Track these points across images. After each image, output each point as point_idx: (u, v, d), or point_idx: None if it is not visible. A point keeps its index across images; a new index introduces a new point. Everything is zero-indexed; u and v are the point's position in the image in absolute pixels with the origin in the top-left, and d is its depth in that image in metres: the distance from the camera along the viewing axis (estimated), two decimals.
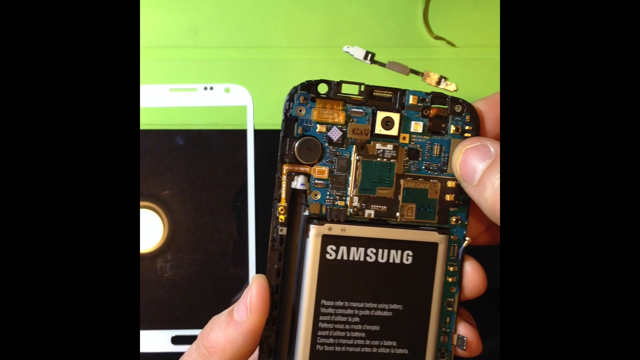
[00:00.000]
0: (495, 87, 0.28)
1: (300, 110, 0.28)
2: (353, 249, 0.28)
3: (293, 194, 0.28)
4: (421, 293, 0.29)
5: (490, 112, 0.29)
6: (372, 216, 0.29)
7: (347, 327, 0.28)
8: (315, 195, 0.28)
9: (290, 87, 0.28)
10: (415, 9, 0.46)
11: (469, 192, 0.28)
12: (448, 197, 0.29)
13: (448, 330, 0.29)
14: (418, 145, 0.29)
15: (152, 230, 0.41)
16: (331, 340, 0.28)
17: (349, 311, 0.28)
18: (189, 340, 0.40)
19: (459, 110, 0.29)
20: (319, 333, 0.28)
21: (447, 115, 0.29)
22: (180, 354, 0.29)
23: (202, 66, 0.44)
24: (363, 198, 0.29)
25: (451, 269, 0.29)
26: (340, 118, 0.28)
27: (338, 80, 0.28)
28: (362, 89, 0.28)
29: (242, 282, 0.41)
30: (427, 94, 0.29)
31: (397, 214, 0.29)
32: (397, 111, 0.29)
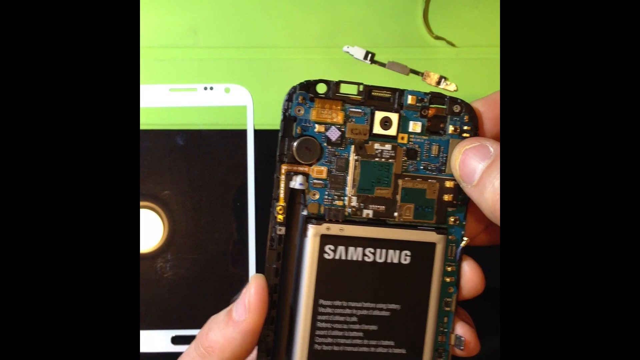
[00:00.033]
0: (495, 87, 0.28)
1: (299, 110, 0.28)
2: (351, 248, 0.28)
3: (291, 193, 0.28)
4: (419, 293, 0.29)
5: (489, 112, 0.29)
6: (371, 216, 0.29)
7: (345, 326, 0.28)
8: (314, 195, 0.28)
9: (290, 87, 0.28)
10: (415, 9, 0.46)
11: (468, 192, 0.28)
12: (446, 197, 0.29)
13: (446, 330, 0.29)
14: (416, 145, 0.29)
15: (152, 230, 0.41)
16: (329, 340, 0.28)
17: (347, 311, 0.28)
18: (189, 340, 0.40)
19: (457, 111, 0.29)
20: (317, 333, 0.28)
21: (445, 116, 0.29)
22: (180, 354, 0.29)
23: (202, 66, 0.44)
24: (361, 198, 0.29)
25: (449, 269, 0.29)
26: (339, 118, 0.28)
27: (337, 80, 0.28)
28: (361, 88, 0.28)
29: (242, 282, 0.41)
30: (425, 94, 0.29)
31: (395, 214, 0.29)
32: (396, 111, 0.29)
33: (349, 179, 0.28)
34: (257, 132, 0.42)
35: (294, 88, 0.28)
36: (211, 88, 0.42)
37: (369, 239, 0.28)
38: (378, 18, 0.45)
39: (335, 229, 0.28)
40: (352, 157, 0.28)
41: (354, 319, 0.28)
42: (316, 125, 0.28)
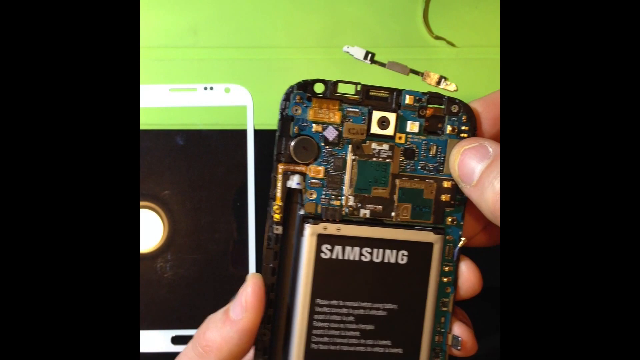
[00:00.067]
0: (495, 87, 0.28)
1: (297, 110, 0.28)
2: (348, 248, 0.28)
3: (289, 193, 0.28)
4: (416, 293, 0.29)
5: (487, 112, 0.29)
6: (368, 216, 0.29)
7: (341, 326, 0.28)
8: (311, 194, 0.28)
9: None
10: (415, 9, 0.46)
11: (467, 192, 0.28)
12: (444, 198, 0.29)
13: (443, 330, 0.29)
14: (414, 145, 0.29)
15: (152, 230, 0.41)
16: (326, 339, 0.28)
17: (344, 310, 0.28)
18: (189, 340, 0.40)
19: (455, 111, 0.29)
20: (314, 332, 0.28)
21: (443, 116, 0.29)
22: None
23: (202, 66, 0.44)
24: (358, 198, 0.29)
25: (446, 269, 0.29)
26: (336, 118, 0.28)
27: (334, 80, 0.28)
28: (359, 88, 0.28)
29: (242, 282, 0.41)
30: (423, 93, 0.29)
31: (393, 213, 0.29)
32: (394, 111, 0.29)
33: (346, 178, 0.28)
34: (257, 132, 0.42)
35: (292, 88, 0.28)
36: (211, 88, 0.42)
37: (366, 239, 0.28)
38: (378, 18, 0.45)
39: (332, 229, 0.28)
40: (350, 157, 0.28)
41: (351, 318, 0.28)
42: (313, 125, 0.28)
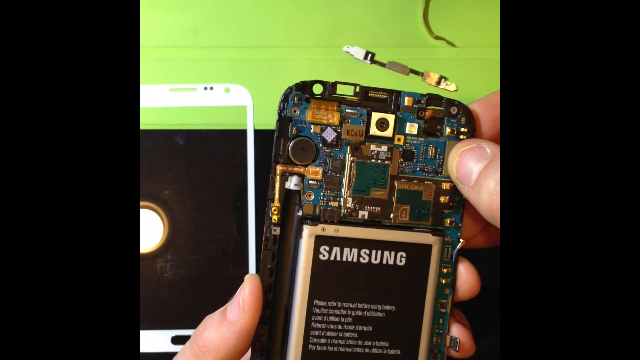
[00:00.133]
0: (495, 87, 0.28)
1: (295, 111, 0.28)
2: (346, 249, 0.28)
3: (287, 194, 0.28)
4: (414, 294, 0.29)
5: (486, 114, 0.29)
6: (366, 217, 0.29)
7: (339, 327, 0.28)
8: (309, 195, 0.28)
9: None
10: (415, 9, 0.46)
11: (465, 193, 0.28)
12: (442, 199, 0.29)
13: (441, 331, 0.29)
14: (413, 147, 0.29)
15: (152, 230, 0.41)
16: (323, 340, 0.28)
17: (342, 311, 0.28)
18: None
19: (454, 112, 0.29)
20: (312, 333, 0.28)
21: (442, 117, 0.29)
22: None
23: (202, 66, 0.44)
24: (357, 199, 0.28)
25: (445, 270, 0.29)
26: (335, 119, 0.28)
27: (333, 81, 0.28)
28: (357, 89, 0.28)
29: (242, 282, 0.41)
30: (422, 95, 0.29)
31: (391, 215, 0.29)
32: (392, 112, 0.29)
33: (345, 180, 0.28)
34: (257, 132, 0.42)
35: (290, 89, 0.28)
36: (211, 88, 0.42)
37: (364, 240, 0.28)
38: (378, 18, 0.45)
39: (330, 230, 0.28)
40: (348, 158, 0.28)
41: (349, 319, 0.28)
42: (312, 126, 0.28)
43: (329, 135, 0.28)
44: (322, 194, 0.28)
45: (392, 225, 0.29)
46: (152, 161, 0.42)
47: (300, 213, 0.28)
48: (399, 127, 0.29)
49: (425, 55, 0.45)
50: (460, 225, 0.29)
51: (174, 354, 0.29)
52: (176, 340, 0.41)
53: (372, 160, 0.29)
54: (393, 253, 0.28)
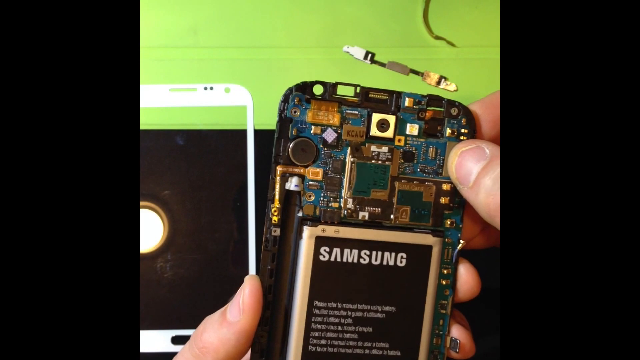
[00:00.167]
0: (495, 87, 0.28)
1: (295, 112, 0.28)
2: (347, 250, 0.28)
3: (287, 195, 0.28)
4: (415, 295, 0.29)
5: (487, 114, 0.29)
6: (366, 218, 0.29)
7: (339, 328, 0.28)
8: (309, 196, 0.28)
9: (288, 88, 0.28)
10: (415, 9, 0.46)
11: (465, 194, 0.28)
12: (443, 200, 0.29)
13: (441, 332, 0.29)
14: (413, 148, 0.29)
15: (152, 230, 0.41)
16: (323, 342, 0.28)
17: (342, 312, 0.28)
18: None
19: (454, 113, 0.29)
20: (312, 334, 0.28)
21: (443, 118, 0.29)
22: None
23: (202, 66, 0.44)
24: (357, 200, 0.28)
25: (445, 271, 0.29)
26: (335, 120, 0.28)
27: (333, 82, 0.28)
28: (358, 90, 0.28)
29: (242, 282, 0.41)
30: (423, 96, 0.29)
31: (392, 216, 0.29)
32: (393, 113, 0.29)
33: (345, 181, 0.28)
34: (257, 132, 0.42)
35: (290, 89, 0.28)
36: (211, 88, 0.42)
37: (365, 241, 0.28)
38: (378, 18, 0.45)
39: (330, 231, 0.28)
40: (348, 159, 0.28)
41: (349, 320, 0.28)
42: (312, 127, 0.28)
43: (330, 136, 0.28)
44: (322, 194, 0.28)
45: (393, 226, 0.29)
46: (152, 161, 0.42)
47: (300, 214, 0.28)
48: (400, 128, 0.29)
49: (425, 55, 0.45)
50: (460, 226, 0.29)
51: (174, 354, 0.29)
52: (176, 340, 0.41)
53: (373, 161, 0.29)
54: (393, 254, 0.28)
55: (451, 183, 0.29)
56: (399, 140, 0.29)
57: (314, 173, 0.28)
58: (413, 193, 0.29)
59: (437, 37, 0.45)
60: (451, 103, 0.29)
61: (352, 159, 0.28)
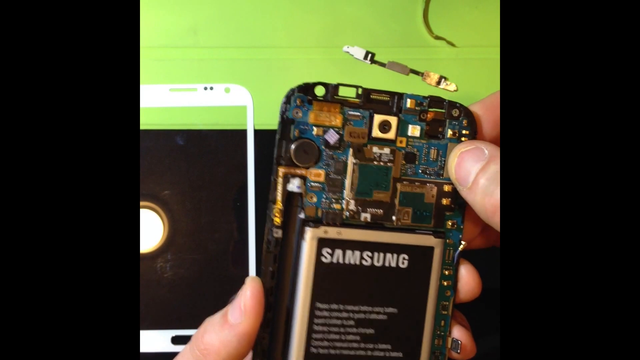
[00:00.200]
0: (495, 87, 0.28)
1: (297, 113, 0.28)
2: (349, 252, 0.28)
3: (289, 196, 0.28)
4: (416, 297, 0.29)
5: (487, 115, 0.29)
6: (368, 220, 0.29)
7: (341, 330, 0.28)
8: (311, 198, 0.28)
9: (290, 88, 0.28)
10: (415, 9, 0.46)
11: (464, 195, 0.28)
12: (444, 201, 0.29)
13: (442, 333, 0.29)
14: (415, 149, 0.29)
15: (152, 230, 0.41)
16: (325, 343, 0.28)
17: (344, 314, 0.28)
18: (189, 340, 0.40)
19: (456, 115, 0.29)
20: (314, 336, 0.28)
21: (444, 119, 0.29)
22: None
23: (202, 66, 0.44)
24: (359, 201, 0.28)
25: (446, 272, 0.29)
26: (337, 121, 0.28)
27: (335, 83, 0.28)
28: (360, 92, 0.28)
29: (242, 282, 0.41)
30: (424, 97, 0.29)
31: (394, 217, 0.29)
32: (395, 115, 0.29)
33: (347, 182, 0.28)
34: (257, 132, 0.42)
35: (292, 90, 0.28)
36: (211, 88, 0.42)
37: (367, 243, 0.28)
38: (378, 18, 0.45)
39: (332, 233, 0.28)
40: (351, 161, 0.28)
41: (351, 322, 0.28)
42: (314, 128, 0.28)
43: (332, 137, 0.28)
44: (324, 196, 0.28)
45: (395, 228, 0.29)
46: (152, 161, 0.42)
47: (302, 215, 0.28)
48: (401, 130, 0.29)
49: (425, 55, 0.45)
50: (461, 227, 0.29)
51: (174, 354, 0.29)
52: (176, 340, 0.41)
53: (375, 163, 0.28)
54: (395, 255, 0.28)
55: (452, 184, 0.29)
56: (401, 142, 0.29)
57: (316, 174, 0.28)
58: (415, 194, 0.29)
59: (437, 37, 0.45)
60: (452, 104, 0.29)
61: (354, 161, 0.28)
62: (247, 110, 0.42)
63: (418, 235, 0.29)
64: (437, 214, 0.29)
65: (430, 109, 0.29)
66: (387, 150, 0.29)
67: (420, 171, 0.29)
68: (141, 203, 0.41)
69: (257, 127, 0.42)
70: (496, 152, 0.26)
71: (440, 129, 0.29)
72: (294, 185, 0.28)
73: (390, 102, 0.29)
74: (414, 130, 0.29)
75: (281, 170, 0.28)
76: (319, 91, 0.28)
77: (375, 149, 0.28)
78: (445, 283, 0.29)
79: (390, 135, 0.29)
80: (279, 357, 0.28)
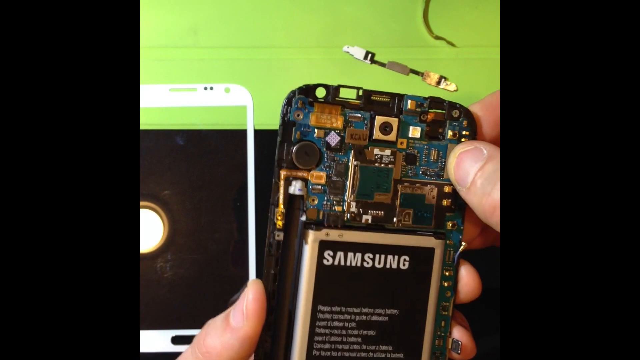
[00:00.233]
0: (495, 87, 0.28)
1: (298, 115, 0.28)
2: (350, 254, 0.28)
3: (290, 198, 0.28)
4: (417, 298, 0.29)
5: (487, 115, 0.29)
6: (370, 221, 0.29)
7: (343, 332, 0.28)
8: (313, 200, 0.28)
9: (290, 88, 0.28)
10: (415, 9, 0.46)
11: (463, 195, 0.28)
12: (445, 202, 0.29)
13: (443, 334, 0.29)
14: (415, 151, 0.29)
15: (152, 230, 0.41)
16: (327, 346, 0.28)
17: (346, 316, 0.28)
18: (189, 340, 0.40)
19: (456, 115, 0.29)
20: (316, 338, 0.28)
21: (444, 120, 0.29)
22: (180, 354, 0.29)
23: (202, 66, 0.44)
24: (360, 203, 0.28)
25: (447, 273, 0.29)
26: (339, 123, 0.28)
27: (336, 85, 0.28)
28: (360, 93, 0.28)
29: (242, 282, 0.41)
30: (425, 98, 0.29)
31: (394, 219, 0.29)
32: (396, 116, 0.28)
33: (348, 184, 0.28)
34: (257, 132, 0.42)
35: (293, 92, 0.28)
36: (211, 88, 0.42)
37: (368, 245, 0.28)
38: (378, 18, 0.45)
39: (334, 235, 0.28)
40: (352, 163, 0.28)
41: (353, 324, 0.28)
42: (315, 130, 0.28)
43: (333, 139, 0.28)
44: (325, 198, 0.28)
45: (396, 229, 0.29)
46: (152, 161, 0.42)
47: (304, 218, 0.28)
48: (402, 131, 0.29)
49: (425, 55, 0.45)
50: (462, 228, 0.29)
51: (174, 353, 0.29)
52: (176, 340, 0.41)
53: (376, 165, 0.28)
54: (396, 257, 0.28)
55: (452, 185, 0.29)
56: (402, 143, 0.29)
57: (318, 177, 0.28)
58: (415, 196, 0.29)
59: (437, 37, 0.45)
60: (452, 105, 0.29)
61: (355, 163, 0.28)
62: (247, 110, 0.42)
63: (419, 237, 0.29)
64: (438, 215, 0.29)
65: (431, 110, 0.29)
66: (388, 151, 0.29)
67: (420, 172, 0.29)
68: (141, 203, 0.41)
69: (257, 127, 0.42)
70: (495, 152, 0.26)
71: (440, 130, 0.29)
72: (296, 187, 0.28)
73: (391, 103, 0.29)
74: (414, 132, 0.29)
75: (283, 173, 0.28)
76: (320, 93, 0.28)
77: (376, 151, 0.28)
78: (445, 284, 0.29)
79: (392, 137, 0.28)
80: None
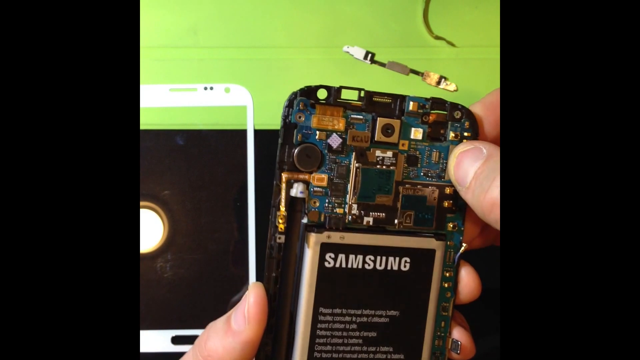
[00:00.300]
0: (495, 87, 0.28)
1: (300, 117, 0.28)
2: (352, 256, 0.28)
3: (292, 201, 0.28)
4: (418, 299, 0.29)
5: (488, 115, 0.29)
6: (371, 223, 0.28)
7: (344, 334, 0.28)
8: (314, 202, 0.28)
9: (290, 88, 0.28)
10: (415, 9, 0.46)
11: (462, 195, 0.28)
12: (446, 204, 0.29)
13: (442, 334, 0.29)
14: (417, 152, 0.29)
15: (152, 230, 0.41)
16: (329, 348, 0.28)
17: (347, 318, 0.28)
18: (189, 340, 0.40)
19: (458, 117, 0.29)
20: (317, 340, 0.28)
21: (446, 122, 0.29)
22: (180, 354, 0.29)
23: (202, 66, 0.44)
24: (362, 206, 0.28)
25: (447, 274, 0.29)
26: (340, 125, 0.28)
27: (338, 86, 0.28)
28: (362, 94, 0.28)
29: (242, 282, 0.41)
30: (426, 99, 0.29)
31: (396, 221, 0.29)
32: (397, 117, 0.28)
33: (350, 186, 0.28)
34: (257, 132, 0.42)
35: (295, 94, 0.27)
36: (211, 88, 0.42)
37: (369, 247, 0.28)
38: (378, 18, 0.45)
39: (335, 237, 0.28)
40: (353, 165, 0.28)
41: (354, 326, 0.28)
42: (317, 132, 0.28)
43: (334, 141, 0.28)
44: (327, 200, 0.28)
45: (397, 231, 0.29)
46: (152, 161, 0.42)
47: (305, 220, 0.28)
48: (404, 132, 0.29)
49: (425, 55, 0.45)
50: (462, 229, 0.29)
51: (174, 354, 0.29)
52: (176, 340, 0.41)
53: (377, 167, 0.28)
54: (397, 259, 0.28)
55: (453, 186, 0.29)
56: (403, 145, 0.29)
57: (319, 179, 0.28)
58: (417, 197, 0.29)
59: (437, 37, 0.45)
60: (454, 106, 0.29)
61: (357, 165, 0.28)
62: (247, 110, 0.42)
63: (420, 239, 0.29)
64: (439, 217, 0.29)
65: (432, 111, 0.29)
66: (389, 153, 0.28)
67: (422, 174, 0.29)
68: (141, 203, 0.41)
69: (257, 127, 0.42)
70: (495, 150, 0.26)
71: (442, 131, 0.29)
72: (297, 190, 0.27)
73: (393, 104, 0.28)
74: (416, 133, 0.29)
75: (284, 176, 0.27)
76: (322, 94, 0.28)
77: (378, 153, 0.28)
78: (445, 285, 0.29)
79: (393, 138, 0.28)
80: None
